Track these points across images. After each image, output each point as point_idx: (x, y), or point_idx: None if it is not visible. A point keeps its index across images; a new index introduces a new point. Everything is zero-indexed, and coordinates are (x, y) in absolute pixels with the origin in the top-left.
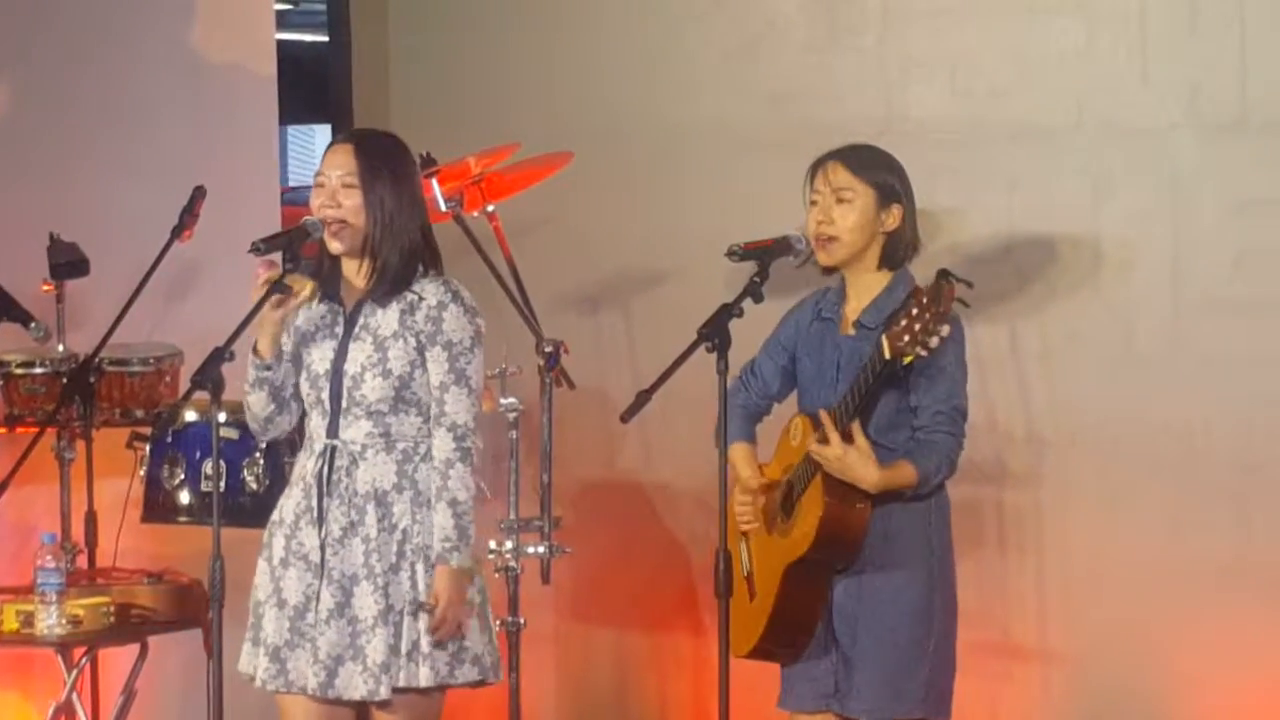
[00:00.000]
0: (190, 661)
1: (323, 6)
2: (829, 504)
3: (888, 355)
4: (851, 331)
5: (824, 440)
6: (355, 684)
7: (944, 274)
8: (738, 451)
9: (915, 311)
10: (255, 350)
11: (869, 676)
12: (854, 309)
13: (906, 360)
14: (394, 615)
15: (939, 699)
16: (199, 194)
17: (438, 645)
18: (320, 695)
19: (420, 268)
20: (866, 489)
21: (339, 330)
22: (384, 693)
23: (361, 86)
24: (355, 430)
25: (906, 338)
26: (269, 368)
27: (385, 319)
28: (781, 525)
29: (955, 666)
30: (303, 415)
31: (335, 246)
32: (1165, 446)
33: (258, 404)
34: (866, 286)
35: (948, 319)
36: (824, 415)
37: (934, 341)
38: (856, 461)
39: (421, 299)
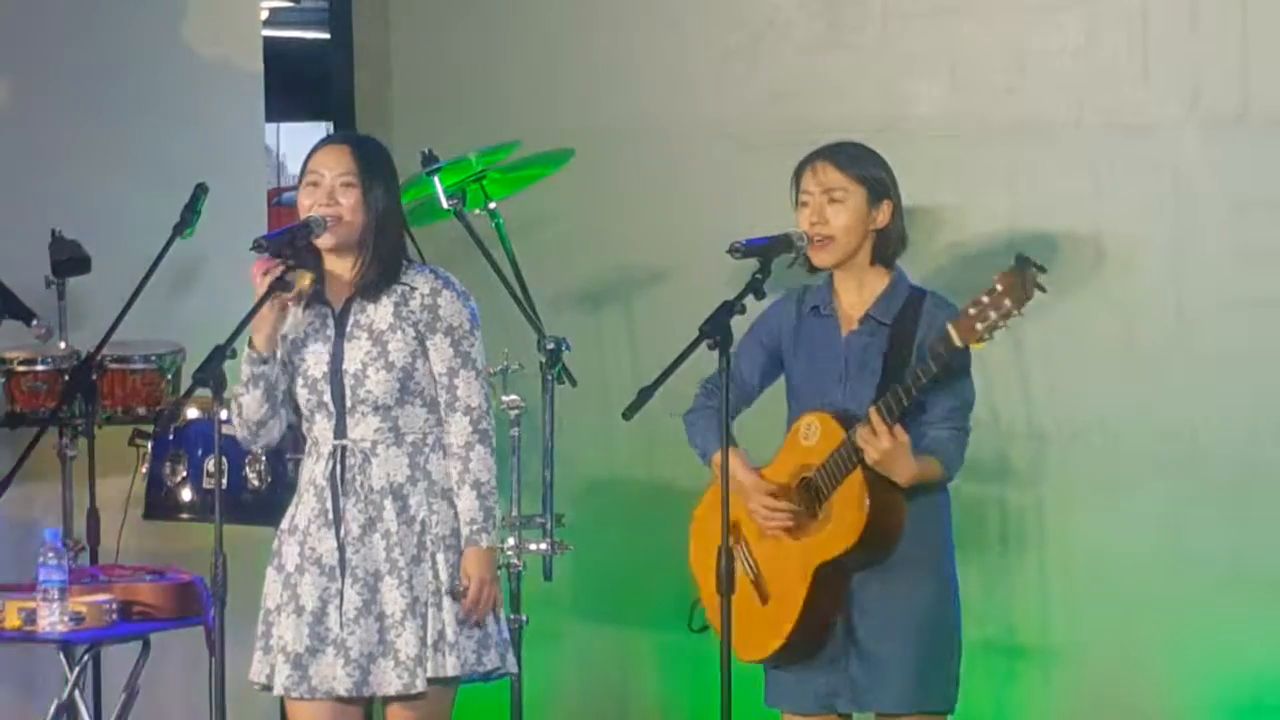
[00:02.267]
0: (192, 659)
1: (324, 4)
2: (875, 501)
3: (958, 344)
4: (856, 327)
5: (872, 432)
6: (389, 679)
7: (1025, 260)
8: (729, 459)
9: (989, 299)
10: (251, 344)
11: (900, 672)
12: (853, 304)
13: (978, 347)
14: (420, 607)
15: (955, 691)
16: (201, 191)
17: (464, 634)
18: (355, 694)
19: (405, 261)
20: (900, 482)
21: (330, 332)
22: (420, 685)
23: (363, 84)
24: (363, 428)
25: (980, 324)
26: (265, 361)
27: (379, 313)
28: (805, 525)
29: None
30: (290, 424)
31: (327, 241)
32: (1166, 443)
33: (251, 405)
34: (862, 283)
35: (1027, 304)
36: (875, 410)
37: (1009, 326)
38: (900, 455)
39: (414, 289)
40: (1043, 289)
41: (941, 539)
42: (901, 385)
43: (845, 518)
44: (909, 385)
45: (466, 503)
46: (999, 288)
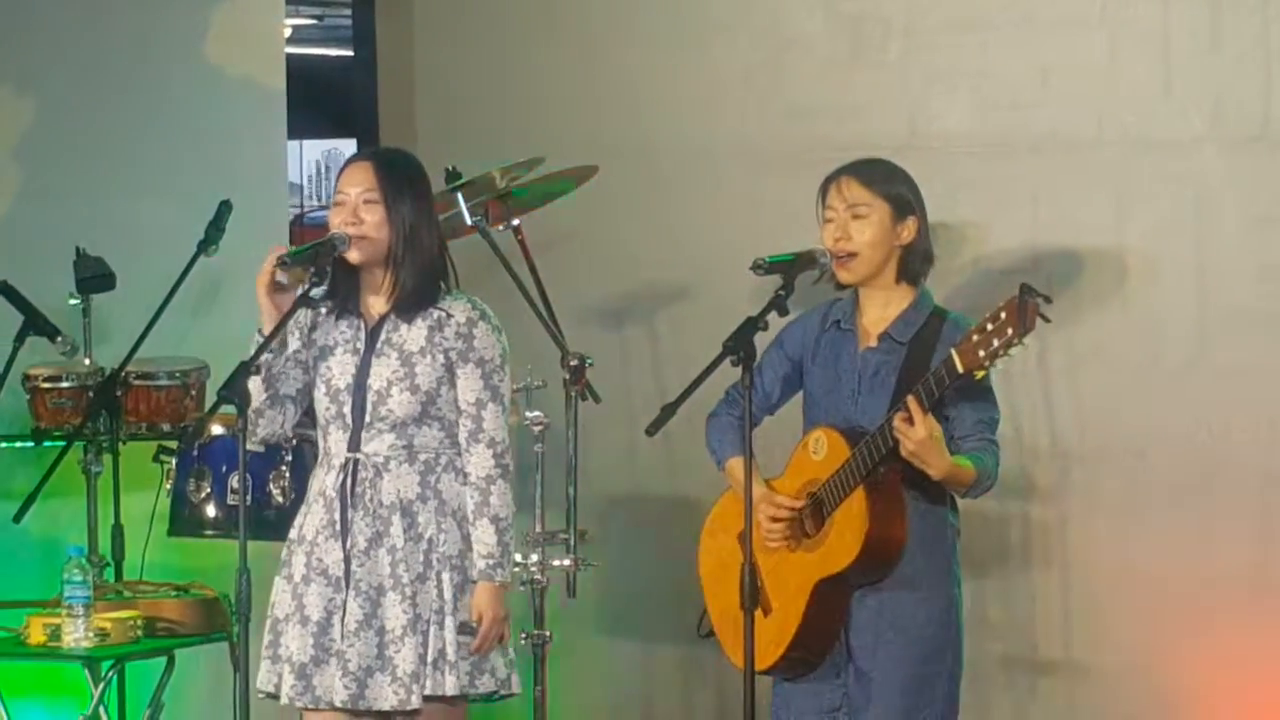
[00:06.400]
0: (216, 674)
1: (348, 21)
2: (874, 518)
3: (960, 369)
4: (874, 344)
5: (908, 420)
6: (385, 694)
7: (1028, 290)
8: (740, 467)
9: (992, 327)
10: (260, 331)
11: (886, 692)
12: (874, 321)
13: (979, 376)
14: (422, 625)
15: (953, 713)
16: (225, 208)
17: (464, 653)
18: (351, 707)
19: (442, 285)
20: (934, 475)
21: (360, 345)
22: (415, 701)
23: (387, 101)
24: (378, 444)
25: (982, 352)
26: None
27: (412, 335)
28: (809, 540)
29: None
30: (297, 425)
31: (354, 256)
32: (1190, 459)
33: (252, 388)
34: (887, 300)
35: (1030, 334)
36: (912, 398)
37: (1013, 354)
38: (936, 446)
39: (450, 315)
40: (1046, 319)
41: (945, 559)
42: (933, 375)
43: (845, 534)
44: (942, 375)
45: (484, 536)
46: (1002, 316)
